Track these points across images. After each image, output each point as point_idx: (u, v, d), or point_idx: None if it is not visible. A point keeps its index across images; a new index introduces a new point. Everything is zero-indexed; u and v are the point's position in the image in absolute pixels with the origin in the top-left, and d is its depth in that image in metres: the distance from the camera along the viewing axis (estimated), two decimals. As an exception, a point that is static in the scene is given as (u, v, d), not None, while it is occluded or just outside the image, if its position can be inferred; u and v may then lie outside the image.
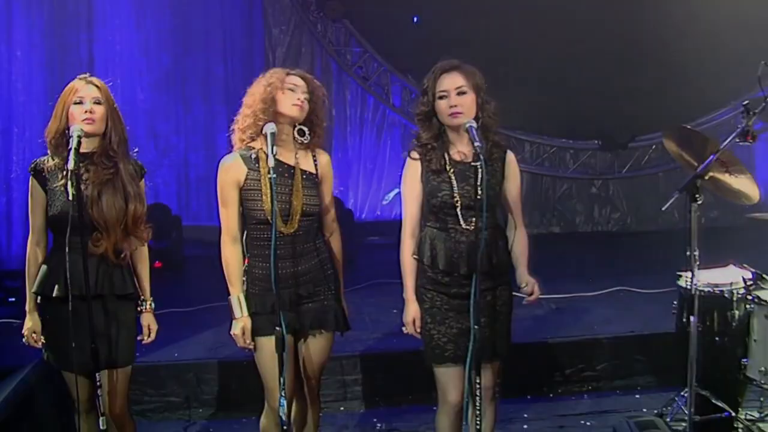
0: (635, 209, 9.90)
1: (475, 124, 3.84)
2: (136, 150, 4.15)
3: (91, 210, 3.86)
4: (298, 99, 3.92)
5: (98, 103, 3.91)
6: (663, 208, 4.82)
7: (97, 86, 3.94)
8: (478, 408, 3.82)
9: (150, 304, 4.18)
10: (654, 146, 9.86)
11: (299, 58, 9.57)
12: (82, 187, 3.78)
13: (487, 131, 3.94)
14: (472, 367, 3.78)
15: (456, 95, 3.88)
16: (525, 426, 5.46)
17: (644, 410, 5.55)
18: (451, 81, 3.89)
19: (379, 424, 5.55)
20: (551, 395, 5.95)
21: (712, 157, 4.54)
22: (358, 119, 9.49)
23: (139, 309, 4.14)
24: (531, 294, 4.05)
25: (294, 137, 4.00)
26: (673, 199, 4.64)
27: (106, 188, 3.92)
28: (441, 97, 3.90)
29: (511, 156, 4.09)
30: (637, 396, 5.85)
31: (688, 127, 5.03)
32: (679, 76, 9.05)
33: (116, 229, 3.93)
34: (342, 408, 5.81)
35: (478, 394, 3.81)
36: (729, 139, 4.60)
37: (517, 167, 4.13)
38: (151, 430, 5.51)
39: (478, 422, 3.83)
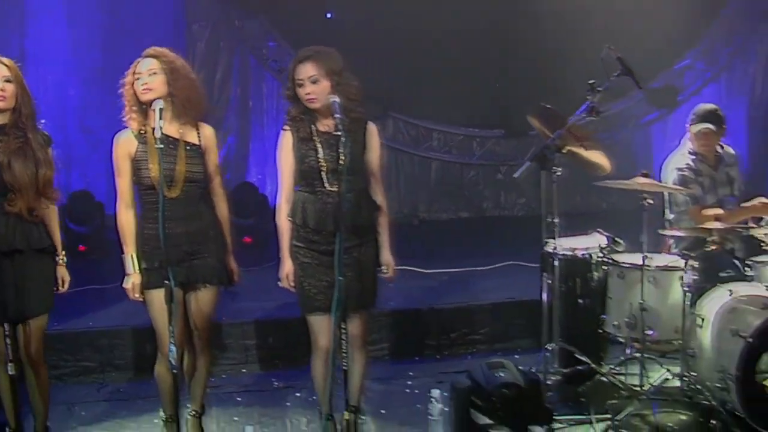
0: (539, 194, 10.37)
1: (338, 100, 4.36)
2: (43, 121, 4.63)
3: (4, 174, 4.35)
4: (144, 84, 4.44)
5: (9, 81, 4.43)
6: (515, 175, 5.39)
7: (6, 65, 4.46)
8: (344, 351, 4.37)
9: (62, 258, 4.67)
10: (553, 134, 10.40)
11: (218, 53, 9.95)
12: None
13: (348, 107, 4.44)
14: (338, 314, 4.31)
15: (310, 84, 4.42)
16: (408, 382, 5.99)
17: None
18: (305, 71, 4.44)
19: (276, 383, 6.05)
20: (437, 357, 6.49)
21: (559, 131, 5.11)
22: (275, 111, 9.90)
23: (56, 261, 4.66)
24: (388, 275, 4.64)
25: (174, 113, 4.50)
26: (524, 167, 5.21)
27: (17, 155, 4.43)
28: (299, 85, 4.44)
29: (372, 128, 4.62)
30: (517, 356, 6.33)
31: (548, 106, 5.57)
32: (580, 68, 9.53)
33: (28, 191, 4.44)
34: (244, 370, 6.30)
35: (344, 338, 4.36)
36: (576, 116, 5.18)
37: (378, 139, 4.66)
38: (67, 392, 5.89)
39: (345, 364, 4.38)
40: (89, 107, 10.14)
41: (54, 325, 4.54)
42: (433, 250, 8.62)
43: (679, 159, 6.09)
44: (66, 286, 4.69)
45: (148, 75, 4.47)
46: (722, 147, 6.25)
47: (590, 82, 5.27)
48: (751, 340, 4.83)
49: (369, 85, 9.26)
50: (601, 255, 5.69)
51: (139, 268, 4.50)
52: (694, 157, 6.08)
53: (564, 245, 5.75)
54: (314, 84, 4.42)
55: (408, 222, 10.00)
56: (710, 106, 6.19)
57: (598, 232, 5.85)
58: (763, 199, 5.87)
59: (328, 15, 10.11)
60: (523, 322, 6.60)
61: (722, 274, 5.54)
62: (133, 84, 4.50)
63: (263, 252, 7.77)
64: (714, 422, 5.00)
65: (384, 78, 9.71)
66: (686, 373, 5.28)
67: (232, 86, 9.97)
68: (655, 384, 5.37)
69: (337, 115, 4.25)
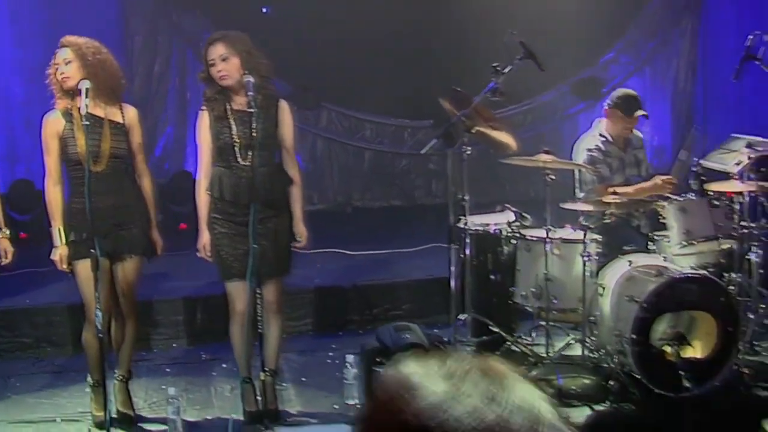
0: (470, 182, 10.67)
1: (251, 79, 4.65)
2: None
3: None
4: (62, 73, 4.77)
5: None
6: (422, 151, 5.72)
7: None
8: (260, 315, 4.67)
9: (5, 232, 4.92)
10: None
11: (157, 46, 10.14)
12: None
13: (260, 85, 4.74)
14: (253, 280, 4.60)
15: (221, 62, 4.72)
16: (330, 354, 6.28)
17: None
18: (215, 51, 4.75)
19: (204, 355, 6.32)
20: (360, 331, 6.78)
21: (465, 111, 5.44)
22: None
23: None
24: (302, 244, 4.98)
25: (95, 93, 4.77)
26: (431, 143, 5.54)
27: None
28: (211, 65, 4.74)
29: (283, 105, 4.94)
30: (436, 330, 6.62)
31: (459, 89, 5.89)
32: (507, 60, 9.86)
33: None
34: (174, 345, 6.56)
35: (259, 303, 4.66)
36: (480, 96, 5.50)
37: (290, 115, 4.97)
38: (3, 367, 6.13)
39: (260, 327, 4.68)
40: (33, 102, 10.20)
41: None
42: (364, 236, 8.90)
43: (590, 140, 6.43)
44: (9, 257, 4.95)
45: (64, 64, 4.77)
46: (633, 132, 6.62)
47: (494, 65, 5.60)
48: (645, 305, 5.18)
49: (303, 77, 9.71)
50: (510, 230, 6.01)
51: (67, 241, 4.76)
52: (603, 139, 6.42)
53: (476, 222, 6.08)
54: (224, 62, 4.71)
55: (342, 210, 10.26)
56: (634, 93, 6.56)
57: (507, 208, 6.17)
58: (662, 177, 6.24)
59: (264, 10, 10.34)
60: (442, 298, 6.86)
61: (626, 248, 5.89)
62: (55, 73, 4.78)
63: (197, 237, 7.98)
64: (613, 383, 5.34)
65: (318, 71, 9.97)
66: (588, 339, 5.63)
67: (171, 78, 10.14)
68: (558, 351, 5.72)
69: (249, 93, 4.55)
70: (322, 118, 10.44)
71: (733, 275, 5.77)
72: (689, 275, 5.33)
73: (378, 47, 9.97)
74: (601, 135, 6.44)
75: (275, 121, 4.90)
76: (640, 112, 6.36)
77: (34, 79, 10.47)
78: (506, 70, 5.58)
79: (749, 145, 6.21)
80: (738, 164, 6.31)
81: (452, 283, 6.02)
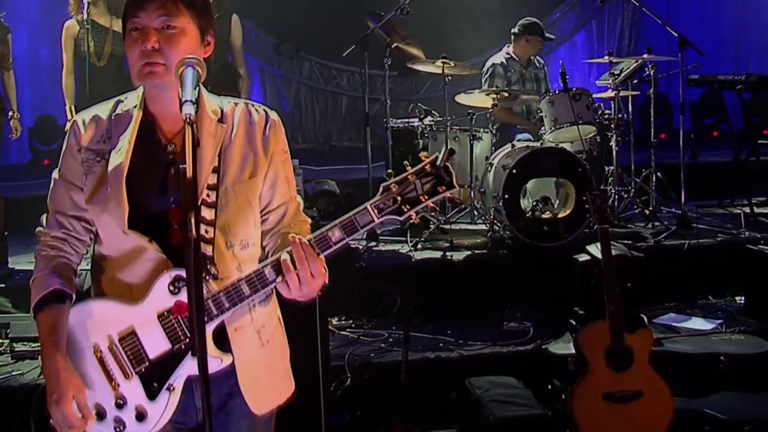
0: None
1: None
2: (4, 13, 6.50)
3: None
4: None
5: None
6: (344, 54, 7.27)
7: None
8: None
9: (16, 114, 6.55)
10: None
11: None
12: None
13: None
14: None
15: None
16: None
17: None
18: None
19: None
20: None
21: (378, 23, 6.98)
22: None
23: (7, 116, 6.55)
24: None
25: None
26: (350, 49, 7.09)
27: None
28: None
29: (235, 18, 6.58)
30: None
31: (382, 13, 7.42)
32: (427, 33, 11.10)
33: None
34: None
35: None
36: (391, 13, 7.05)
37: (239, 27, 6.61)
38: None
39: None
40: (57, 65, 11.76)
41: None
42: (340, 165, 10.31)
43: (497, 57, 8.03)
44: (18, 134, 6.56)
45: None
46: (536, 56, 8.16)
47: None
48: (514, 170, 6.69)
49: (284, 29, 11.22)
50: (422, 125, 7.55)
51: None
52: (508, 56, 8.00)
53: (398, 122, 7.64)
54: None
55: (322, 148, 11.84)
56: (536, 20, 8.07)
57: (419, 106, 7.72)
58: None
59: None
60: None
61: (519, 136, 7.45)
62: None
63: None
64: (491, 235, 6.87)
65: (298, 24, 11.54)
66: (477, 205, 7.16)
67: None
68: (452, 215, 7.25)
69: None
70: (304, 67, 12.03)
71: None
72: (550, 148, 6.86)
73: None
74: (507, 53, 7.99)
75: (228, 29, 6.46)
76: (537, 37, 7.88)
77: (59, 43, 12.11)
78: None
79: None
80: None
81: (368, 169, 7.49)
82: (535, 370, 5.42)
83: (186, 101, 2.16)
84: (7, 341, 5.71)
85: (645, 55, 7.69)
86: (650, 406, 4.49)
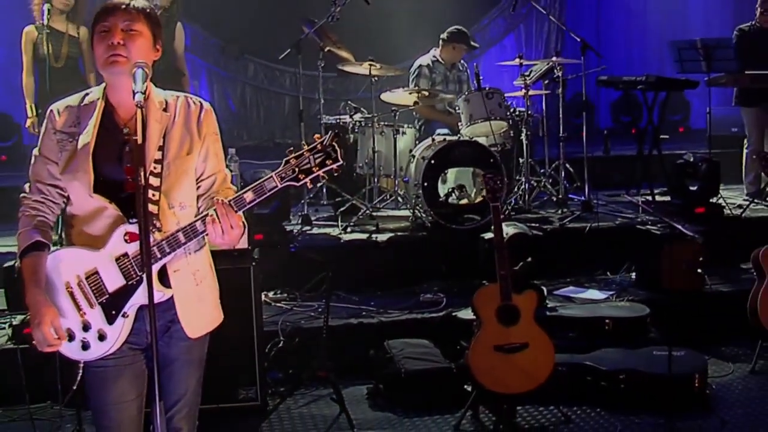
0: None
1: (158, 2, 6.99)
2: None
3: None
4: None
5: None
6: (279, 57, 8.04)
7: None
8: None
9: None
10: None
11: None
12: None
13: (164, 6, 7.06)
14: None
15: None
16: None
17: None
18: None
19: None
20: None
21: (312, 29, 7.76)
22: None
23: None
24: None
25: None
26: (286, 52, 7.86)
27: None
28: None
29: (179, 26, 7.25)
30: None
31: (315, 20, 8.19)
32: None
33: None
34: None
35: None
36: (323, 20, 7.83)
37: (182, 33, 7.32)
38: None
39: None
40: (11, 64, 12.25)
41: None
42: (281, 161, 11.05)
43: (424, 59, 8.84)
44: None
45: None
46: (460, 60, 8.98)
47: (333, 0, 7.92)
48: (432, 161, 7.49)
49: (230, 33, 11.93)
50: (352, 121, 8.34)
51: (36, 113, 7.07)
52: (435, 59, 8.81)
53: (331, 118, 8.42)
54: None
55: (266, 145, 12.57)
56: (464, 29, 8.86)
57: (348, 104, 8.50)
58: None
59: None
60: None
61: (439, 130, 8.26)
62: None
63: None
64: (413, 219, 7.68)
65: (242, 27, 12.28)
66: (400, 193, 7.96)
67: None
68: (377, 203, 8.03)
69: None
70: (249, 69, 12.77)
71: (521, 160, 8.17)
72: (464, 141, 7.67)
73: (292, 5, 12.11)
74: (433, 56, 8.80)
75: (173, 36, 7.19)
76: (463, 45, 8.70)
77: (13, 45, 12.57)
78: (341, 4, 7.89)
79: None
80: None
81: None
82: (445, 334, 6.21)
83: (137, 92, 2.93)
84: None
85: (553, 58, 8.53)
86: (534, 356, 5.29)
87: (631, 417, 5.44)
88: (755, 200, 8.66)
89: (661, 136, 9.37)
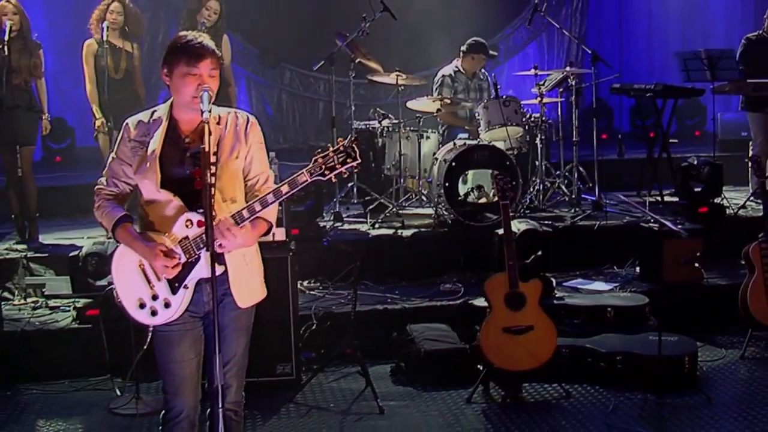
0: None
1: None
2: (36, 34, 7.97)
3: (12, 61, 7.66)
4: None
5: (15, 14, 7.75)
6: (315, 68, 8.78)
7: (13, 4, 7.77)
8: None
9: (46, 116, 8.06)
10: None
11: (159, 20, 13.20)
12: None
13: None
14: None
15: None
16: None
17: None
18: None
19: None
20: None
21: (344, 42, 8.48)
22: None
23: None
24: None
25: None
26: (320, 64, 8.58)
27: (21, 51, 7.83)
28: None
29: (225, 37, 7.98)
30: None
31: (347, 34, 8.90)
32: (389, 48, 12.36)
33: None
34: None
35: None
36: (353, 35, 8.54)
37: (229, 47, 8.03)
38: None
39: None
40: (60, 71, 12.95)
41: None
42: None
43: (446, 69, 9.51)
44: (48, 131, 8.03)
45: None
46: (481, 69, 9.65)
47: (363, 15, 8.64)
48: (453, 163, 8.17)
49: (268, 42, 12.69)
50: (380, 126, 9.05)
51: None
52: (456, 69, 9.48)
53: (361, 124, 9.14)
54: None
55: (301, 147, 13.28)
56: (482, 40, 9.53)
57: (377, 110, 9.21)
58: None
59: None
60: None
61: (460, 135, 8.94)
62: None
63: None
64: (436, 217, 8.37)
65: (279, 38, 13.04)
66: (424, 192, 8.66)
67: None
68: (402, 201, 8.74)
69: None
70: (285, 76, 13.54)
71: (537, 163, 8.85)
72: (483, 145, 8.34)
73: (327, 16, 12.83)
74: (455, 67, 9.48)
75: (220, 48, 7.90)
76: (482, 55, 9.38)
77: (63, 54, 13.29)
78: (371, 19, 8.62)
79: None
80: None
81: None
82: (462, 320, 6.89)
83: (204, 111, 3.68)
84: (43, 299, 7.19)
85: (567, 68, 9.20)
86: (539, 337, 5.97)
87: (626, 394, 6.08)
88: (758, 200, 9.21)
89: (671, 140, 10.01)
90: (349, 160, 3.76)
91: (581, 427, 5.64)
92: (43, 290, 7.25)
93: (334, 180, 3.82)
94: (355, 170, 3.83)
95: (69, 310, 6.87)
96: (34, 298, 7.28)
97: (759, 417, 5.74)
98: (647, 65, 14.52)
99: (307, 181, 3.78)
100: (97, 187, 4.10)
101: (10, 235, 8.23)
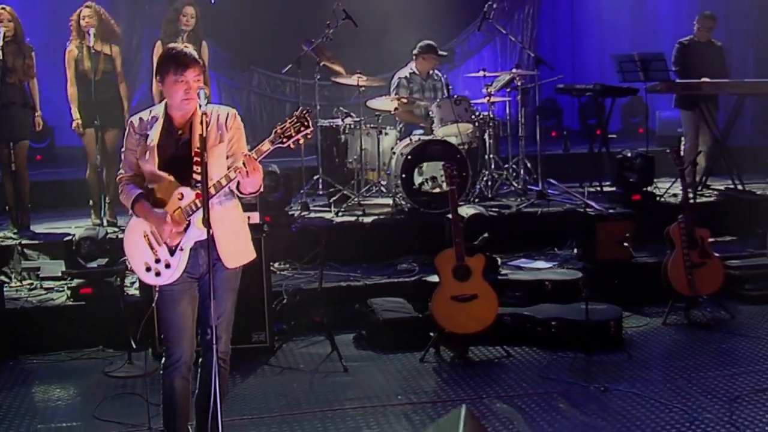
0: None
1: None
2: (28, 39, 8.72)
3: (7, 62, 8.40)
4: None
5: (10, 21, 8.48)
6: (283, 71, 9.61)
7: (8, 11, 8.51)
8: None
9: (39, 113, 8.78)
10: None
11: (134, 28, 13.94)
12: None
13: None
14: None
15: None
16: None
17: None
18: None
19: None
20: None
21: (311, 47, 9.32)
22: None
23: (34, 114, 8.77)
24: None
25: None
26: (288, 67, 9.41)
27: (15, 53, 8.52)
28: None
29: (204, 44, 8.78)
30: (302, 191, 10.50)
31: (312, 40, 9.74)
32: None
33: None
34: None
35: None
36: (318, 39, 9.38)
37: (207, 51, 8.83)
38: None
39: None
40: (43, 75, 13.57)
41: None
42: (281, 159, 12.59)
43: (403, 71, 10.32)
44: (40, 127, 8.78)
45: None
46: (435, 70, 10.51)
47: (327, 22, 9.49)
48: (409, 156, 9.03)
49: (237, 47, 13.48)
50: (343, 124, 9.89)
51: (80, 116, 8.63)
52: (411, 71, 10.30)
53: (325, 121, 9.98)
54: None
55: (269, 146, 14.09)
56: (431, 42, 10.38)
57: (341, 110, 10.06)
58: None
59: (212, 1, 14.11)
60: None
61: (416, 131, 9.80)
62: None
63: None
64: (394, 205, 9.23)
65: (248, 42, 13.85)
66: (383, 183, 9.51)
67: (143, 50, 13.85)
68: (363, 192, 9.59)
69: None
70: (254, 78, 14.36)
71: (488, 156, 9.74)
72: (436, 140, 9.21)
73: (294, 21, 13.65)
74: (411, 69, 10.33)
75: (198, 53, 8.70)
76: (432, 55, 10.23)
77: (39, 56, 13.94)
78: (334, 27, 9.49)
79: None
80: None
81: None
82: (417, 294, 7.72)
83: (201, 105, 4.54)
84: (38, 281, 7.97)
85: (513, 70, 10.10)
86: (482, 305, 6.84)
87: (559, 353, 6.96)
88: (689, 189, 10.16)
89: (610, 136, 10.96)
90: (302, 129, 4.54)
91: (519, 379, 6.49)
92: (38, 273, 7.99)
93: (292, 147, 4.57)
94: (309, 137, 4.53)
95: (63, 291, 7.63)
96: (30, 281, 8.03)
97: (673, 369, 6.66)
98: (598, 67, 15.34)
99: (269, 149, 4.58)
100: (117, 177, 4.98)
101: (5, 225, 8.95)
